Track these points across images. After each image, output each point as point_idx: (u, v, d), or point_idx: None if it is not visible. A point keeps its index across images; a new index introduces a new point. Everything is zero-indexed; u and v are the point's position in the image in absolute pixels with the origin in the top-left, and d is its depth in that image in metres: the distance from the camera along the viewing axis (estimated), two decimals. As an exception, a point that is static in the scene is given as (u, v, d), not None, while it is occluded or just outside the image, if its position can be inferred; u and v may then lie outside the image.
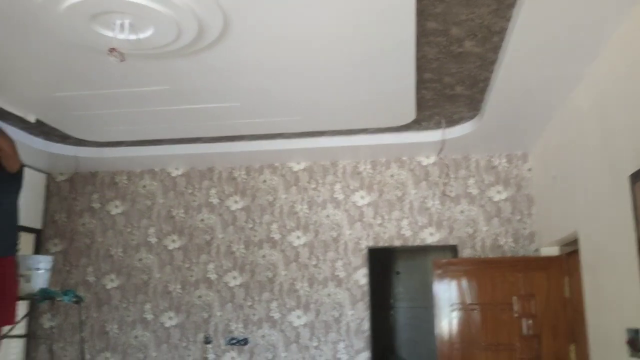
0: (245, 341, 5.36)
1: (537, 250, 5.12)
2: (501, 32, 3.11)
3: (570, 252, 4.53)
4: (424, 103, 4.23)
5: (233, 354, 5.39)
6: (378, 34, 3.06)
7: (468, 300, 4.82)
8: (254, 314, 5.43)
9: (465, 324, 4.79)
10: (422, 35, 3.15)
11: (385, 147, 5.13)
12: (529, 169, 5.29)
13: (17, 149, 3.71)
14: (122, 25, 2.78)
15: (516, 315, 4.71)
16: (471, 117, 4.60)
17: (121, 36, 2.81)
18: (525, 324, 4.69)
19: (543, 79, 3.61)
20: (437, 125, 4.77)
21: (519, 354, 4.65)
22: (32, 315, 5.69)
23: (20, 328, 5.57)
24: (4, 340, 5.28)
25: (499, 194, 5.30)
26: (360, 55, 3.33)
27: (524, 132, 4.76)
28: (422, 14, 2.91)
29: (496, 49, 3.33)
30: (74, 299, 4.67)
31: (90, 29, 2.82)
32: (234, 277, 5.54)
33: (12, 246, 3.83)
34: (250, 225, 5.62)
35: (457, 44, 3.27)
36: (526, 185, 5.27)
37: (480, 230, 5.25)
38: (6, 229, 3.77)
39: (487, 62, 3.54)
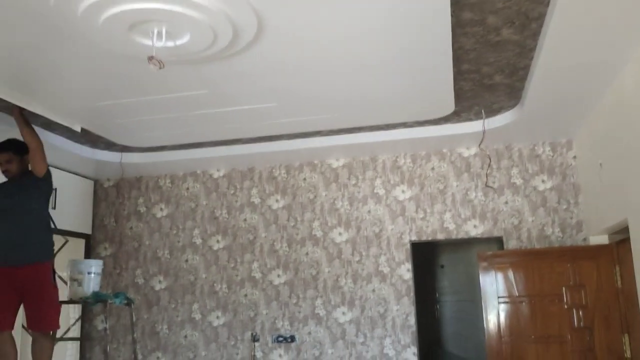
0: (292, 338, 5.41)
1: (585, 239, 4.99)
2: (539, 18, 3.04)
3: (621, 240, 4.40)
4: (463, 94, 4.17)
5: (280, 351, 5.44)
6: (413, 28, 3.03)
7: (515, 293, 4.73)
8: (299, 312, 5.47)
9: (513, 316, 4.71)
10: (458, 26, 3.11)
11: (424, 140, 5.08)
12: (574, 157, 5.15)
13: (43, 150, 3.82)
14: (159, 33, 2.83)
15: (566, 306, 4.60)
16: (512, 106, 4.51)
17: (159, 44, 2.86)
18: (576, 316, 4.58)
19: (585, 64, 3.51)
20: (477, 116, 4.69)
21: (571, 346, 4.55)
22: (86, 318, 5.88)
23: (74, 330, 5.77)
24: (60, 343, 5.45)
25: (543, 183, 5.18)
26: (396, 49, 3.30)
27: (567, 119, 4.64)
28: (457, 4, 2.87)
29: (535, 35, 3.25)
30: (125, 301, 4.80)
31: (129, 38, 2.89)
32: (278, 275, 5.59)
33: (48, 251, 3.94)
34: (292, 224, 5.66)
35: (494, 32, 3.21)
36: (572, 173, 5.14)
37: (525, 221, 5.15)
38: (42, 235, 3.88)
39: (526, 50, 3.46)
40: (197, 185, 5.96)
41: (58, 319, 3.92)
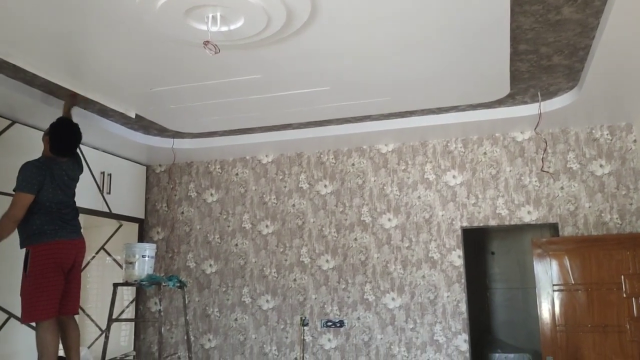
0: (341, 323, 5.42)
1: (646, 226, 4.81)
2: (604, -5, 2.92)
3: (686, 228, 4.22)
4: (519, 75, 4.05)
5: (329, 335, 5.47)
6: (470, 7, 2.95)
7: (571, 281, 4.61)
8: (348, 297, 5.47)
9: (569, 305, 4.59)
10: (517, 5, 3.01)
11: (477, 124, 4.97)
12: (634, 141, 4.96)
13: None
14: (214, 18, 2.85)
15: (625, 295, 4.46)
16: (570, 88, 4.36)
17: (214, 29, 2.88)
18: (636, 305, 4.43)
19: (651, 43, 3.36)
20: (533, 99, 4.56)
21: (630, 336, 4.41)
22: (140, 300, 6.04)
23: (129, 312, 5.94)
24: (115, 324, 5.61)
25: (601, 168, 5.01)
26: (452, 31, 3.23)
27: (627, 101, 4.46)
28: (517, -17, 2.78)
29: (598, 13, 3.12)
30: (178, 284, 4.91)
31: (185, 24, 2.91)
32: (327, 261, 5.60)
33: (21, 239, 3.73)
34: (341, 209, 5.65)
35: (554, 11, 3.10)
36: (631, 157, 4.95)
37: (582, 207, 5.00)
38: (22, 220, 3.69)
39: (587, 29, 3.33)
40: (247, 170, 6.01)
41: (26, 311, 3.58)
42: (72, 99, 4.13)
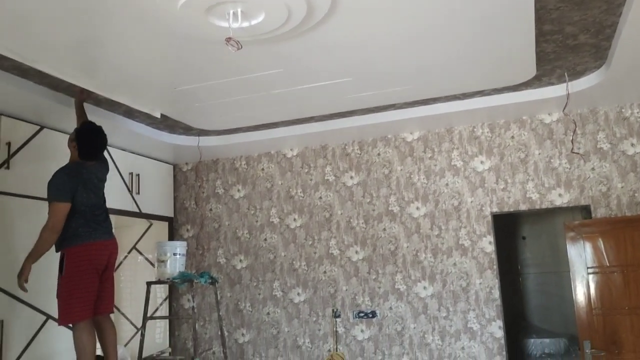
0: (373, 314, 5.42)
1: (682, 204, 4.69)
2: (631, -30, 2.84)
3: None
4: (545, 57, 3.97)
5: (362, 326, 5.47)
6: (492, -10, 2.91)
7: (606, 263, 4.53)
8: (379, 287, 5.46)
9: (604, 287, 4.51)
10: (541, -15, 2.96)
11: (503, 108, 4.89)
12: (667, 117, 4.84)
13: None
14: (234, 14, 2.85)
15: (663, 276, 4.37)
16: (597, 67, 4.27)
17: (235, 25, 2.88)
18: (674, 285, 4.33)
19: (682, 16, 3.26)
20: (559, 80, 4.47)
21: (670, 317, 4.32)
22: (173, 297, 6.12)
23: (162, 309, 6.02)
24: (150, 322, 5.68)
25: (633, 147, 4.90)
26: (474, 15, 3.18)
27: (658, 77, 4.35)
28: (540, -38, 2.72)
29: (625, -12, 3.05)
30: (210, 281, 4.95)
31: (206, 22, 2.92)
32: (356, 252, 5.59)
33: (59, 240, 3.78)
34: (368, 200, 5.63)
35: (580, -11, 3.04)
36: (665, 134, 4.83)
37: (614, 188, 4.90)
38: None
39: (613, 6, 3.25)
40: (272, 165, 6.03)
41: (63, 313, 3.67)
42: (79, 94, 4.09)
